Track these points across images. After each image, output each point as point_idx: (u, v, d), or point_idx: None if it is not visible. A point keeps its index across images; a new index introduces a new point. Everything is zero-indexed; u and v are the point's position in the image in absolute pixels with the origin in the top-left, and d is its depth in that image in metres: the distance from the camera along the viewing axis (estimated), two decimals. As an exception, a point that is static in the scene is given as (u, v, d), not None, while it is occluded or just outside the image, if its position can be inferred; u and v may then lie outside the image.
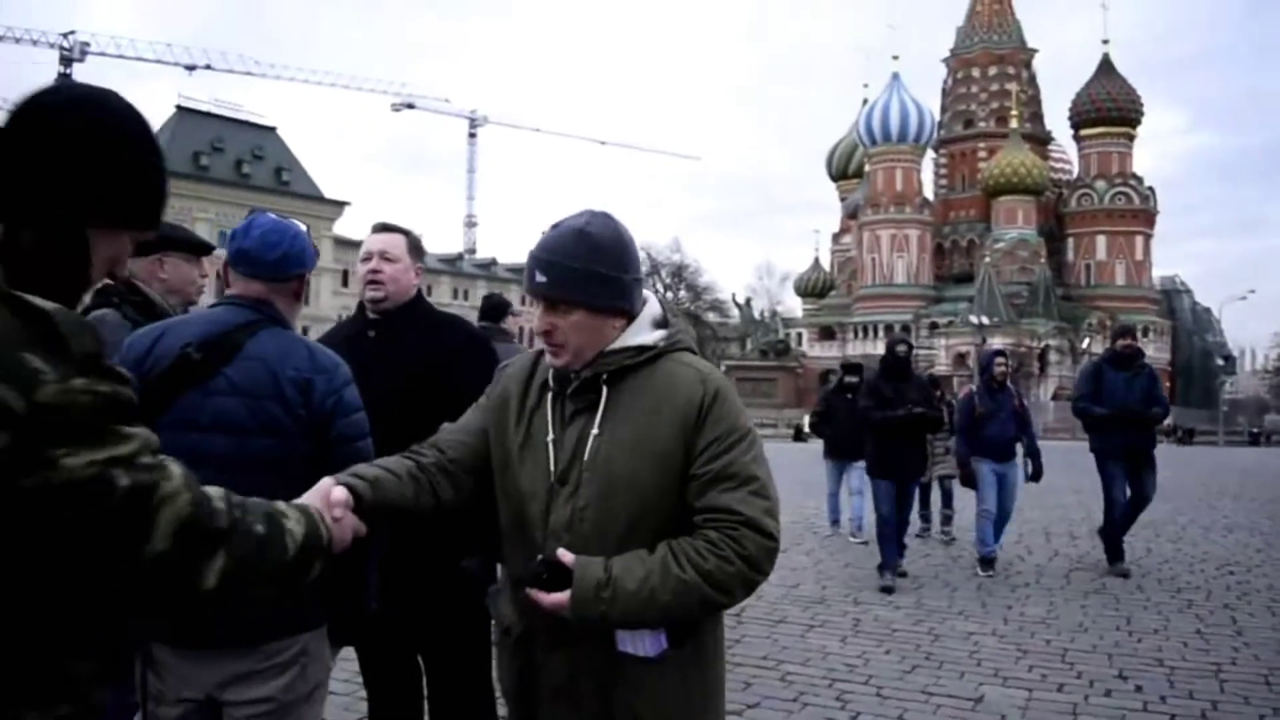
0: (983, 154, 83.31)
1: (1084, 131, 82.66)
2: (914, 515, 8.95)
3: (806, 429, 33.28)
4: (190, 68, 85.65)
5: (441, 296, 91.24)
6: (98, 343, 1.21)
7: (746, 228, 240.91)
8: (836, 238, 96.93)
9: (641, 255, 5.40)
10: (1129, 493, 8.10)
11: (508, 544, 2.01)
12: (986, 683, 5.09)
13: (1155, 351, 62.88)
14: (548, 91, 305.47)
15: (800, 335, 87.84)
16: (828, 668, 5.34)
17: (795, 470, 16.70)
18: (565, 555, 1.78)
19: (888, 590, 7.25)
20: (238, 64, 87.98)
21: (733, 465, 1.82)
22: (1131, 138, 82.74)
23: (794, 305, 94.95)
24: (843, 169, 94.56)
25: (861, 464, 9.22)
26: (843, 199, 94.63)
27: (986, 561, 8.07)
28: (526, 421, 1.98)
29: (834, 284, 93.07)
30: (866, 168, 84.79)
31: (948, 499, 10.33)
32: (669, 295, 64.76)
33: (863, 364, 10.51)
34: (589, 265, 1.86)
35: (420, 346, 3.16)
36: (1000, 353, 9.12)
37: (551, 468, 1.90)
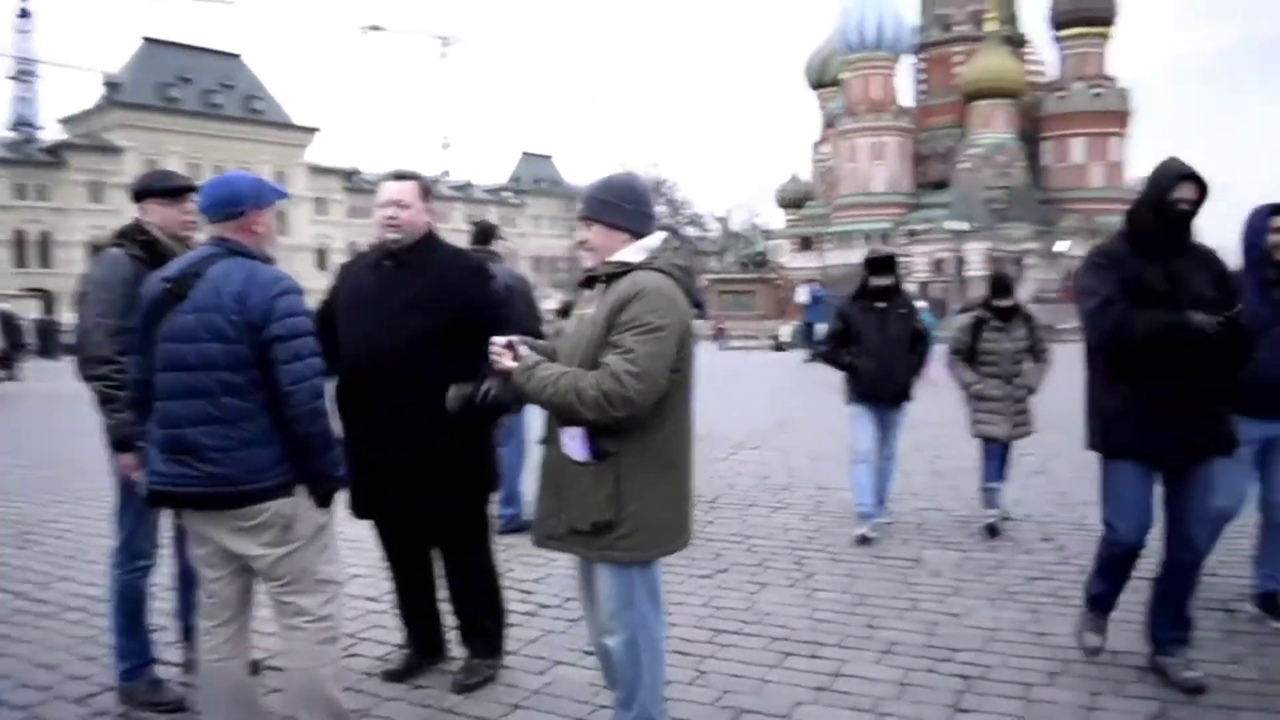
0: (960, 58, 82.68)
1: (1063, 32, 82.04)
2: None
3: (785, 339, 34.12)
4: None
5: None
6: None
7: (728, 139, 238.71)
8: (817, 147, 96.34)
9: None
10: None
11: None
12: (928, 547, 5.81)
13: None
14: (517, 8, 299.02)
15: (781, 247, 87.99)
16: (789, 541, 6.04)
17: (771, 379, 18.04)
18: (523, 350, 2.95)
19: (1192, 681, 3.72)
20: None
21: (624, 339, 2.78)
22: (1107, 38, 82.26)
23: (776, 218, 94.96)
24: (822, 77, 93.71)
25: (905, 409, 6.35)
26: (822, 107, 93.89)
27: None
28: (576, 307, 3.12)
29: (814, 195, 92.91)
30: (844, 75, 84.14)
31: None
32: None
33: (894, 255, 6.59)
34: (603, 196, 2.97)
35: (429, 272, 3.68)
36: (1276, 209, 4.33)
37: (569, 330, 3.05)
